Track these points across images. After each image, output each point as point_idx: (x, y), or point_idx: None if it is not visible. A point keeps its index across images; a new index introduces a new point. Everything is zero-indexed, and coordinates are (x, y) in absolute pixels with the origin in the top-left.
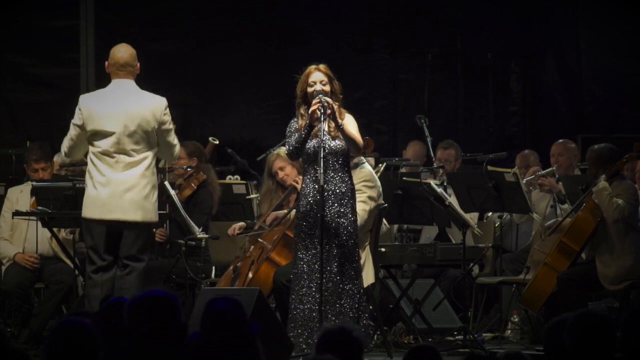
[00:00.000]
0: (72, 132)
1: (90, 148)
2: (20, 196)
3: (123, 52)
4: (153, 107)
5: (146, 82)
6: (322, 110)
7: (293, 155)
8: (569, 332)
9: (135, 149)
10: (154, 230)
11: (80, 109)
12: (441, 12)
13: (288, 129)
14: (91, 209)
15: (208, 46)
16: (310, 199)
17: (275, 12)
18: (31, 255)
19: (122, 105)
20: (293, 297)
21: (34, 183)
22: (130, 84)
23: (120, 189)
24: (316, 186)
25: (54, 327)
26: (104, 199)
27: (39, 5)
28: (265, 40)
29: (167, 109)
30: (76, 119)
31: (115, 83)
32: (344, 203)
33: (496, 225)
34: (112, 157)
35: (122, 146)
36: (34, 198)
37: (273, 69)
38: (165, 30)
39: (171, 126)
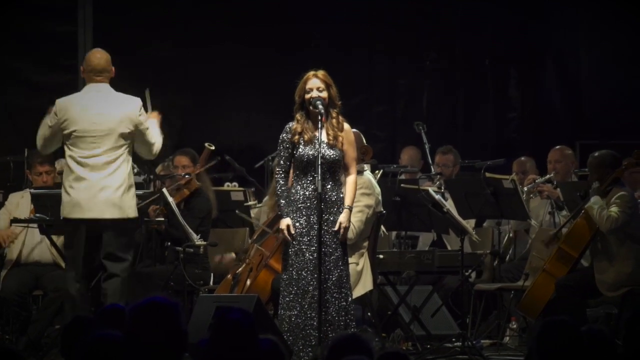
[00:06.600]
0: (45, 130)
1: (67, 150)
2: (21, 202)
3: (99, 57)
4: (128, 108)
5: (145, 87)
6: (320, 117)
7: (282, 172)
8: (536, 341)
9: (110, 150)
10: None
11: (56, 112)
12: (440, 17)
13: (282, 134)
14: (68, 209)
15: (206, 51)
16: (300, 205)
17: (274, 16)
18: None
19: (98, 108)
20: (281, 303)
21: (32, 190)
22: (105, 87)
23: (95, 189)
24: (306, 193)
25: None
26: (79, 200)
27: (37, 10)
28: (264, 45)
29: (142, 109)
30: (50, 120)
31: (91, 87)
32: (334, 212)
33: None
34: (88, 159)
35: (98, 147)
36: (32, 205)
37: (272, 73)
38: (163, 35)
39: (147, 124)
